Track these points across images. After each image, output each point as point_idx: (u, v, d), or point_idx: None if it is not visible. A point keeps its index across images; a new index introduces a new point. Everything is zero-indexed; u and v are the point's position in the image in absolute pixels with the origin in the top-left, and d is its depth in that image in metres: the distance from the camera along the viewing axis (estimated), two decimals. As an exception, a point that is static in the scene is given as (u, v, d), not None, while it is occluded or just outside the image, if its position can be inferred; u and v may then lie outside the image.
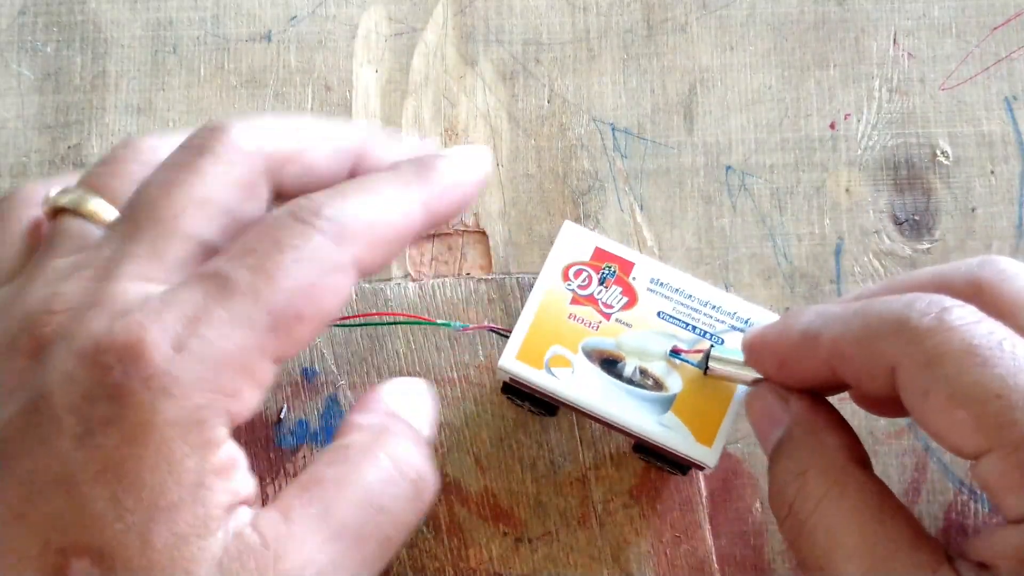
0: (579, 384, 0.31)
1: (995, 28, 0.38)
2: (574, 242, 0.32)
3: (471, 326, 0.35)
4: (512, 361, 0.31)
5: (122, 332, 0.23)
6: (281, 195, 0.28)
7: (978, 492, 0.35)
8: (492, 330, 0.35)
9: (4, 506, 0.24)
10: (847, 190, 0.37)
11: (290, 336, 0.25)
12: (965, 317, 0.25)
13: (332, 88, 0.38)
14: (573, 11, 0.39)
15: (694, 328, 0.31)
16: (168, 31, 0.39)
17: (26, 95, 0.38)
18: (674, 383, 0.31)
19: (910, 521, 0.26)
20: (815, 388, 0.28)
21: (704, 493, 0.35)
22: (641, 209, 0.37)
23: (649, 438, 0.31)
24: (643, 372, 0.31)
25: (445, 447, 0.35)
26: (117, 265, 0.25)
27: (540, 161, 0.38)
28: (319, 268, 0.25)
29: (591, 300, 0.32)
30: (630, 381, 0.31)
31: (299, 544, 0.24)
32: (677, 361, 0.31)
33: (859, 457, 0.27)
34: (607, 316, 0.31)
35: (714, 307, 0.32)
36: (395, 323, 0.36)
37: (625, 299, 0.32)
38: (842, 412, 0.29)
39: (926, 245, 0.37)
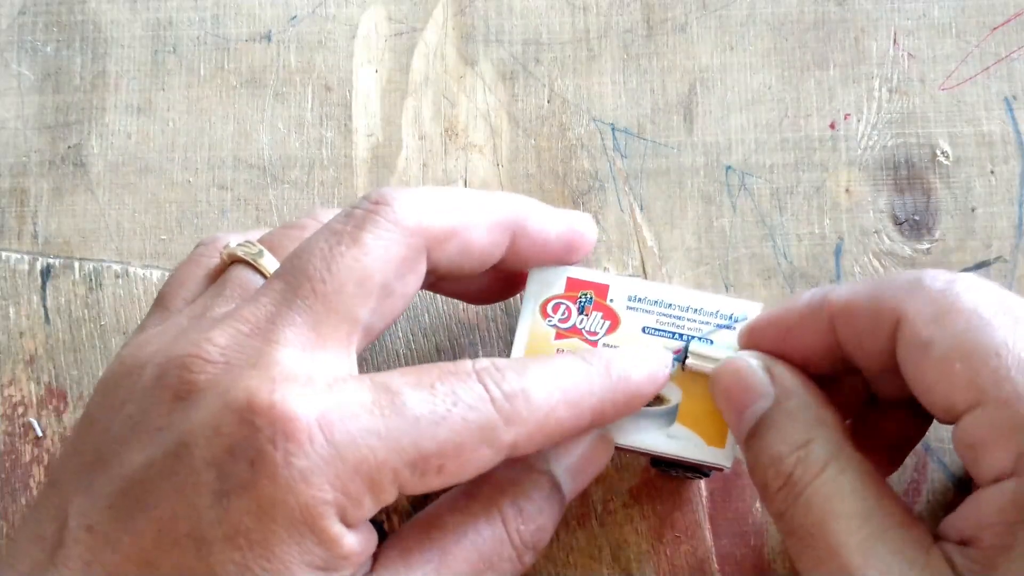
0: None
1: (995, 28, 0.38)
2: (545, 281, 0.31)
3: None
4: None
5: (280, 399, 0.24)
6: (435, 271, 0.28)
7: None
8: None
9: (136, 549, 0.24)
10: (847, 190, 0.37)
11: (423, 479, 0.25)
12: (977, 284, 0.26)
13: (332, 88, 0.38)
14: (573, 11, 0.39)
15: (681, 336, 0.31)
16: (168, 31, 0.39)
17: (26, 95, 0.38)
18: (674, 394, 0.31)
19: (901, 501, 0.26)
20: (809, 364, 0.29)
21: (704, 493, 0.35)
22: (641, 209, 0.37)
23: (662, 454, 0.31)
24: None
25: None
26: (277, 329, 0.25)
27: (540, 161, 0.38)
28: (479, 436, 0.25)
29: (574, 331, 0.31)
30: None
31: None
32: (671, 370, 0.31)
33: (850, 434, 0.28)
34: (594, 344, 0.31)
35: (695, 311, 0.31)
36: None
37: (607, 323, 0.31)
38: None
39: (926, 245, 0.37)
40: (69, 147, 0.38)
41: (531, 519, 0.27)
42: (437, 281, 0.31)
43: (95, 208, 0.38)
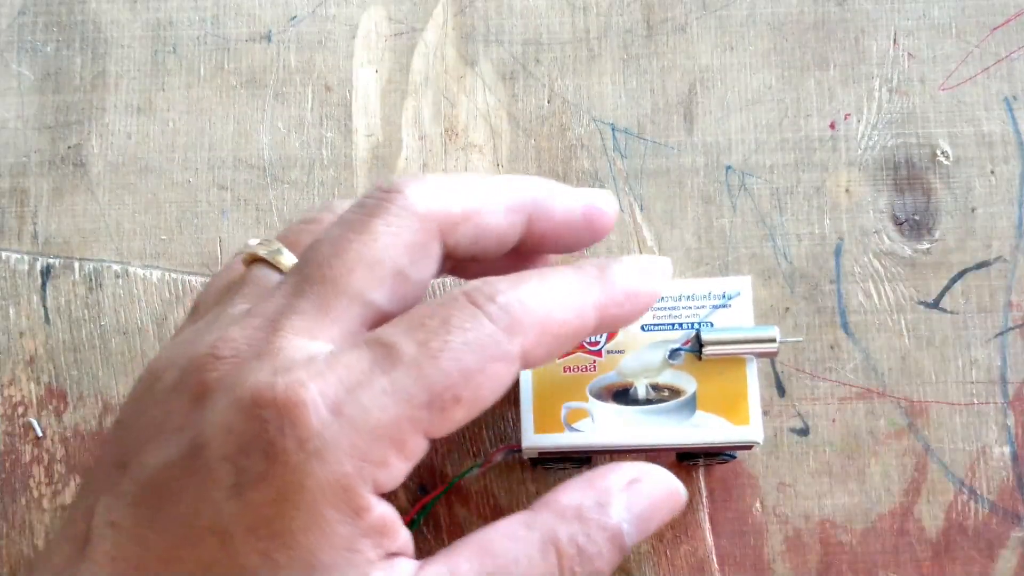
0: (603, 427, 0.31)
1: (995, 28, 0.38)
2: None
3: (484, 463, 0.34)
4: (533, 438, 0.31)
5: (282, 389, 0.24)
6: (454, 255, 0.28)
7: (978, 492, 0.35)
8: (507, 450, 0.33)
9: (161, 547, 0.24)
10: (847, 190, 0.37)
11: (444, 416, 0.25)
12: None
13: (332, 88, 0.38)
14: (573, 11, 0.39)
15: (680, 325, 0.31)
16: (168, 31, 0.39)
17: (26, 95, 0.38)
18: (688, 383, 0.31)
19: None
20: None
21: (704, 493, 0.35)
22: (641, 209, 0.37)
23: (691, 445, 0.31)
24: (656, 387, 0.31)
25: (445, 447, 0.35)
26: (284, 318, 0.25)
27: (540, 161, 0.38)
28: (484, 354, 0.25)
29: (576, 346, 0.31)
30: (648, 401, 0.31)
31: None
32: (680, 360, 0.31)
33: None
34: (598, 353, 0.31)
35: (688, 297, 0.32)
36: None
37: None
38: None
39: (926, 245, 0.37)
40: (69, 147, 0.38)
41: (589, 561, 0.26)
42: (458, 266, 0.31)
43: (95, 208, 0.37)
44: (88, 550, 0.25)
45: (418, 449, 0.25)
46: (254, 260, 0.30)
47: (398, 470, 0.24)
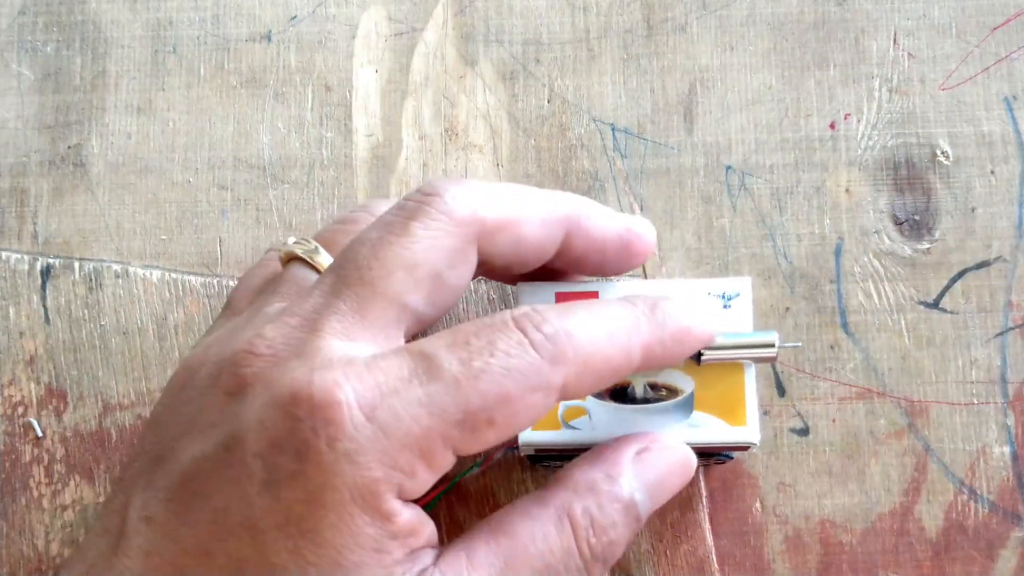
0: (600, 426, 0.31)
1: (995, 28, 0.38)
2: (535, 296, 0.31)
3: (483, 462, 0.34)
4: (530, 435, 0.31)
5: (319, 388, 0.24)
6: (490, 263, 0.28)
7: (978, 492, 0.35)
8: (505, 448, 0.34)
9: (193, 539, 0.24)
10: (847, 190, 0.37)
11: (475, 436, 0.25)
12: None
13: (332, 88, 0.38)
14: (573, 11, 0.39)
15: None
16: (168, 31, 0.39)
17: (26, 95, 0.38)
18: (686, 383, 0.31)
19: None
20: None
21: (704, 493, 0.35)
22: (641, 209, 0.37)
23: (690, 444, 0.31)
24: (653, 387, 0.31)
25: (445, 447, 0.35)
26: (323, 318, 0.26)
27: (540, 161, 0.38)
28: (525, 382, 0.25)
29: None
30: (645, 400, 0.31)
31: None
32: None
33: None
34: None
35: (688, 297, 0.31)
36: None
37: None
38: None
39: (926, 245, 0.37)
40: (69, 147, 0.38)
41: (603, 532, 0.27)
42: (489, 272, 0.31)
43: (95, 208, 0.38)
44: (122, 544, 0.25)
45: (445, 463, 0.25)
46: (291, 259, 0.30)
47: (424, 480, 0.25)
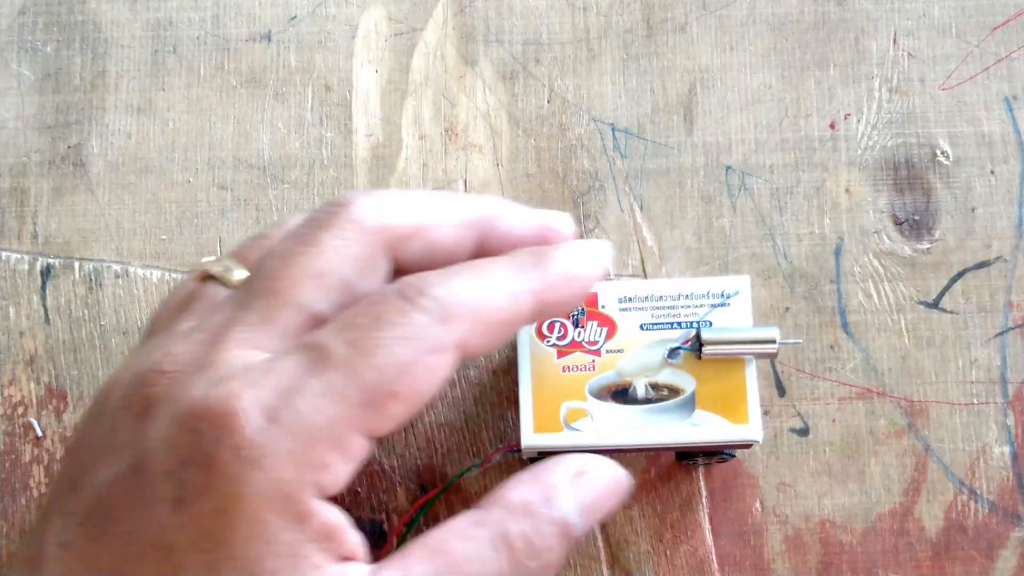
0: (603, 427, 0.31)
1: (995, 28, 0.38)
2: None
3: (482, 463, 0.34)
4: (532, 438, 0.31)
5: (216, 400, 0.24)
6: (403, 270, 0.28)
7: (978, 492, 0.35)
8: (506, 450, 0.34)
9: (109, 565, 0.24)
10: (847, 190, 0.37)
11: (383, 413, 0.24)
12: None
13: (332, 88, 0.38)
14: (573, 11, 0.39)
15: (679, 324, 0.31)
16: (168, 31, 0.39)
17: (26, 95, 0.38)
18: (687, 382, 0.31)
19: None
20: None
21: (704, 493, 0.35)
22: (641, 209, 0.37)
23: (691, 444, 0.31)
24: (655, 387, 0.31)
25: (445, 447, 0.35)
26: (229, 330, 0.25)
27: (540, 161, 0.38)
28: (418, 347, 0.25)
29: (575, 346, 0.31)
30: (647, 400, 0.31)
31: None
32: (679, 359, 0.31)
33: None
34: (597, 353, 0.31)
35: (687, 296, 0.32)
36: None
37: (605, 329, 0.32)
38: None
39: (926, 245, 0.37)
40: (69, 147, 0.38)
41: (539, 555, 0.26)
42: None
43: (95, 208, 0.38)
44: (42, 572, 0.25)
45: (360, 450, 0.25)
46: (206, 278, 0.29)
47: (341, 472, 0.24)
